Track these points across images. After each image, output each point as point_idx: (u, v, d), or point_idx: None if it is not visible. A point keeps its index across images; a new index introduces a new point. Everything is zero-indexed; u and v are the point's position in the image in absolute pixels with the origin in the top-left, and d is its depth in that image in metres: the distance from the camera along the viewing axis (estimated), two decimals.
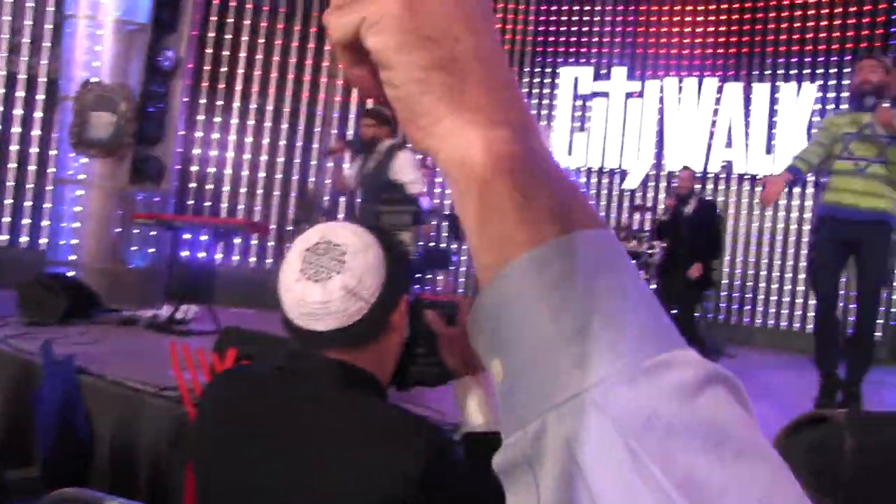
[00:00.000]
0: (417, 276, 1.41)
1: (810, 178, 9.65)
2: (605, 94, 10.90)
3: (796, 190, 10.04)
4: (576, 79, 11.04)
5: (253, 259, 10.56)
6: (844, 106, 9.63)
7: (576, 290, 0.40)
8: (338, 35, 0.48)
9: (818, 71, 10.08)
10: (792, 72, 10.22)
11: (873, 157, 4.95)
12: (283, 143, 10.69)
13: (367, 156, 5.92)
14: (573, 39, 11.06)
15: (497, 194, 0.43)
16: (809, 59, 10.09)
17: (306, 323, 1.26)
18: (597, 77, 10.95)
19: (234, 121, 10.50)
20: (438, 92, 0.45)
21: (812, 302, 7.00)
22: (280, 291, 1.29)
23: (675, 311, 7.49)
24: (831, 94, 10.01)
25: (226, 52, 10.38)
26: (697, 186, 9.95)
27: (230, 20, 10.37)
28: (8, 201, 9.32)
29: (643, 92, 10.69)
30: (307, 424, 1.26)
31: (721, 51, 10.44)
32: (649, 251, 8.48)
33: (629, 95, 10.77)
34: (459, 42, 0.45)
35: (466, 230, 0.45)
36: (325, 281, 1.24)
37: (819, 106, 9.99)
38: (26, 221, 9.38)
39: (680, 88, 10.52)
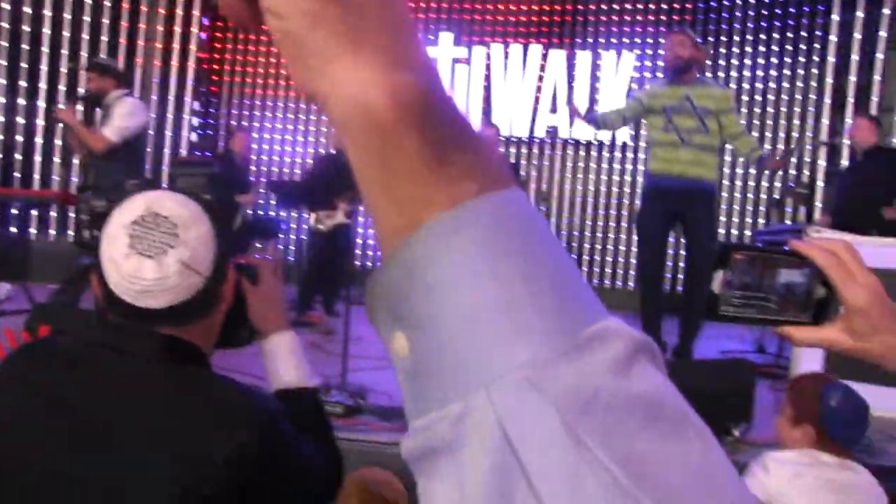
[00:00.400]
0: (244, 244, 1.39)
1: (631, 143, 10.11)
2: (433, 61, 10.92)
3: (617, 154, 10.49)
4: None
5: (71, 232, 10.00)
6: (660, 75, 10.13)
7: (500, 256, 0.36)
8: None
9: (636, 40, 10.52)
10: (612, 40, 10.61)
11: (695, 128, 5.21)
12: (100, 110, 10.13)
13: (101, 112, 5.64)
14: None
15: (406, 148, 0.38)
16: (628, 29, 10.52)
17: (139, 300, 1.20)
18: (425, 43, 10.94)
19: (43, 85, 9.86)
20: (332, 27, 0.39)
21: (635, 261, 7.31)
22: (104, 267, 1.21)
23: None
24: (648, 63, 10.49)
25: (27, 10, 9.70)
26: (518, 152, 10.25)
27: None
28: None
29: (470, 58, 10.81)
30: (133, 402, 1.19)
31: (546, 18, 10.69)
32: None
33: (456, 61, 10.87)
34: None
35: (364, 188, 0.40)
36: (159, 256, 1.18)
37: (637, 74, 10.44)
38: None
39: (506, 54, 10.71)
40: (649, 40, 10.49)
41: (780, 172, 5.33)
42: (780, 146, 9.91)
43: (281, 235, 9.82)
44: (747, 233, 9.97)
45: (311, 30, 0.39)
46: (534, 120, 10.60)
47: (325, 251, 7.35)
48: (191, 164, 4.96)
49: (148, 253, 1.18)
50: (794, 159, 9.30)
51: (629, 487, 0.32)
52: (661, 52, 10.20)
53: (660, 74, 10.06)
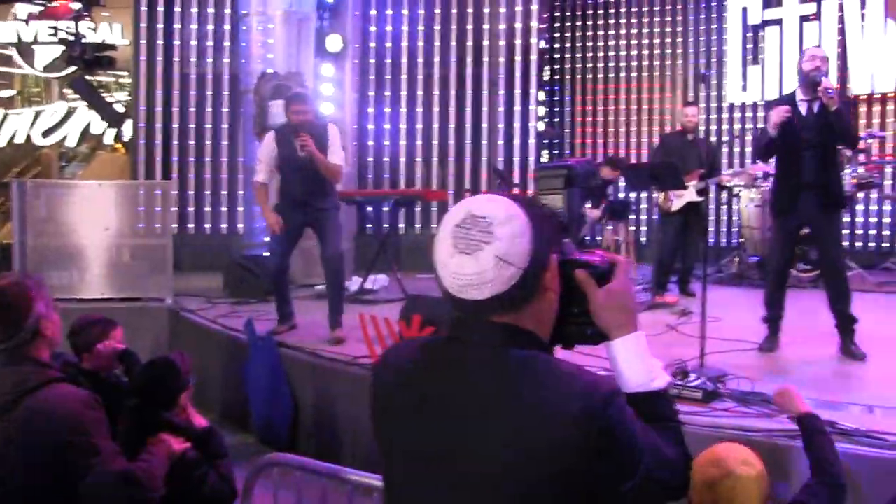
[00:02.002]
0: (565, 234, 1.43)
1: None
2: (778, 22, 10.36)
3: None
4: (744, 9, 10.56)
5: (434, 226, 10.88)
6: None
7: None
8: None
9: None
10: None
11: None
12: (451, 109, 10.93)
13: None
14: None
15: None
16: None
17: (466, 294, 1.35)
18: (766, 4, 10.42)
19: (403, 92, 10.83)
20: None
21: None
22: (437, 268, 1.38)
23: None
24: None
25: (388, 27, 10.72)
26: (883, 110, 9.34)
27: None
28: (206, 193, 10.12)
29: (819, 13, 10.07)
30: (484, 386, 1.35)
31: None
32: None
33: (804, 19, 10.18)
34: None
35: None
36: (476, 253, 1.32)
37: None
38: (224, 209, 10.15)
39: (863, 3, 9.82)
40: None
41: None
42: None
43: (632, 216, 9.87)
44: None
45: None
46: None
47: (676, 231, 7.28)
48: (549, 167, 5.34)
49: (467, 251, 1.32)
50: None
51: None
52: None
53: None
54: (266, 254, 8.10)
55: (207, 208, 10.16)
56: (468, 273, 1.32)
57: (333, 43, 9.07)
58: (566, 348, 1.53)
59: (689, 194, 7.08)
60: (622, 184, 9.27)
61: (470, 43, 10.93)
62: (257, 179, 5.91)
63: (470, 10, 10.86)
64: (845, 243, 9.12)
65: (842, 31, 9.93)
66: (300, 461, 2.93)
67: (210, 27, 10.04)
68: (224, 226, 10.18)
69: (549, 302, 1.42)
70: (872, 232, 9.59)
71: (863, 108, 9.75)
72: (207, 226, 10.19)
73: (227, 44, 10.01)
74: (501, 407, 1.32)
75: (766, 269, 5.80)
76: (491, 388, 1.34)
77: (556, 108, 11.79)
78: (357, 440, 4.66)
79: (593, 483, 1.28)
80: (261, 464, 2.90)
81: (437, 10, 10.81)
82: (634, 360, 1.48)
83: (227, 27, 9.95)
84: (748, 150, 10.48)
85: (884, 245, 9.50)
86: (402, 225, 10.32)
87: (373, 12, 10.64)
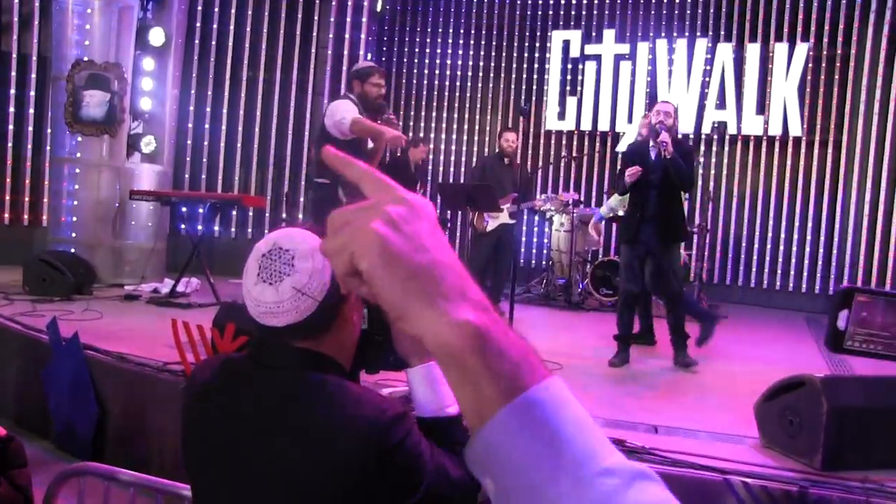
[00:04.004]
0: None
1: (803, 137, 9.72)
2: (596, 57, 10.94)
3: (789, 149, 10.13)
4: (566, 42, 11.07)
5: (250, 230, 10.67)
6: (838, 64, 9.77)
7: (543, 429, 0.55)
8: (340, 270, 0.61)
9: (811, 29, 10.12)
10: (784, 31, 10.27)
11: None
12: (273, 114, 10.78)
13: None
14: (563, 3, 11.09)
15: (470, 368, 0.57)
16: (803, 17, 10.12)
17: (265, 320, 1.45)
18: (586, 40, 10.98)
19: (226, 94, 10.56)
20: (415, 294, 0.58)
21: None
22: (243, 294, 1.48)
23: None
24: (824, 52, 10.03)
25: (214, 25, 10.42)
26: None
27: None
28: (7, 181, 9.40)
29: (634, 54, 10.73)
30: (278, 406, 1.45)
31: (712, 10, 10.46)
32: None
33: (619, 58, 10.81)
34: (421, 254, 0.59)
35: (453, 390, 0.59)
36: (277, 283, 1.42)
37: (812, 65, 10.04)
38: (27, 199, 9.48)
39: (671, 50, 10.56)
40: (826, 28, 10.04)
41: None
42: None
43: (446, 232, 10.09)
44: None
45: (402, 298, 0.59)
46: (700, 115, 10.41)
47: (488, 250, 7.54)
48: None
49: (269, 281, 1.42)
50: None
51: None
52: (839, 38, 9.83)
53: (838, 64, 9.72)
54: (72, 250, 7.67)
55: (7, 197, 9.43)
56: (267, 301, 1.43)
57: (156, 36, 8.73)
58: (370, 374, 1.67)
59: (503, 216, 7.38)
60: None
61: (297, 49, 10.83)
62: (354, 116, 5.47)
63: (300, 15, 10.75)
64: None
65: (652, 73, 10.62)
66: (108, 470, 2.79)
67: (15, 1, 9.31)
68: (26, 217, 9.51)
69: (348, 332, 1.54)
70: None
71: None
72: (7, 216, 9.46)
73: (36, 22, 9.35)
74: (293, 426, 1.42)
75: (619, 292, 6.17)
76: (284, 408, 1.44)
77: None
78: (165, 448, 4.49)
79: (377, 498, 1.39)
80: (65, 473, 2.74)
81: (266, 13, 10.63)
82: (430, 388, 1.59)
83: (36, 3, 9.30)
84: (562, 175, 11.00)
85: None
86: (217, 228, 10.02)
87: (199, 8, 10.31)
